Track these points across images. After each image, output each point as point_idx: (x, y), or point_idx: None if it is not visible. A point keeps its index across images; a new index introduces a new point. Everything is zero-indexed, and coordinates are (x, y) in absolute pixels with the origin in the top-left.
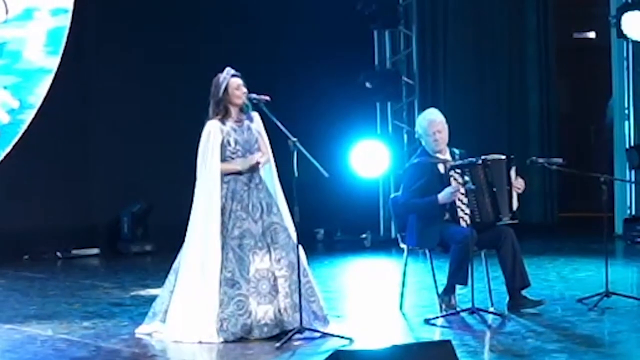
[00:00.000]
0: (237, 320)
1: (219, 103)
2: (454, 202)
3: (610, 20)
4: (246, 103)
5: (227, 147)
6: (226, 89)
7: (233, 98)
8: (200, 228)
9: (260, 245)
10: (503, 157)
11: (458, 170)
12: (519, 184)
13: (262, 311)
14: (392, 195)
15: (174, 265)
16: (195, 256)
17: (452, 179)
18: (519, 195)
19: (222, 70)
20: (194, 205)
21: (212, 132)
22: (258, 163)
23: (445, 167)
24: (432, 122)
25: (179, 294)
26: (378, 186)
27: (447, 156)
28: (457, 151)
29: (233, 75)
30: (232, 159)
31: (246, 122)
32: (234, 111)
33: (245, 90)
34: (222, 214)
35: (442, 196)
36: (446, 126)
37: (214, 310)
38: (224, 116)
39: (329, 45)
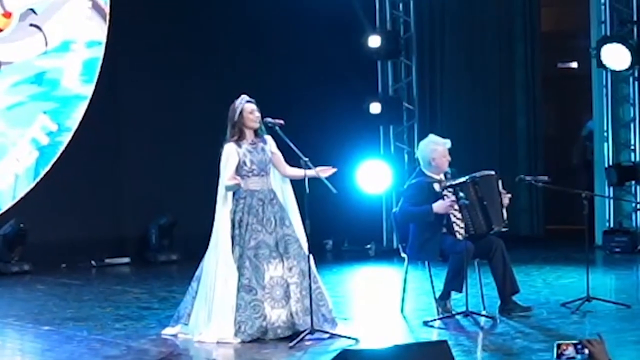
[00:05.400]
0: (254, 322)
1: (235, 126)
2: (449, 217)
3: (590, 51)
4: (260, 127)
5: (244, 166)
6: (241, 113)
7: (247, 121)
8: (216, 239)
9: (274, 255)
10: (491, 172)
11: (450, 189)
12: (505, 198)
13: (276, 314)
14: (394, 210)
15: (196, 273)
16: (214, 265)
17: (445, 197)
18: (506, 208)
19: (238, 97)
20: (215, 219)
21: (230, 155)
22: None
23: (441, 186)
24: (447, 143)
25: (201, 299)
26: (381, 201)
27: (441, 175)
28: (449, 170)
29: (247, 101)
30: (249, 177)
31: (260, 144)
32: (248, 134)
33: (258, 114)
34: (240, 226)
35: (437, 206)
36: None
37: (232, 313)
38: (239, 138)
39: (337, 74)
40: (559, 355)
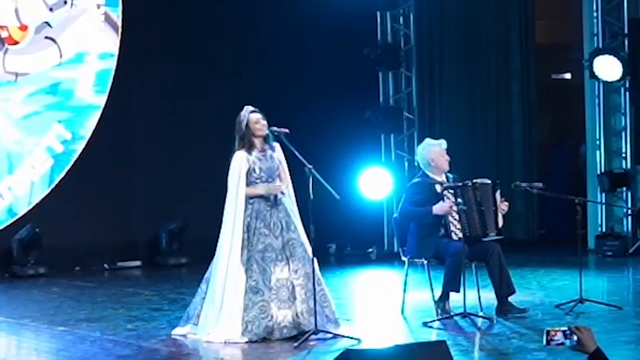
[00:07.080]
0: (260, 322)
1: (243, 137)
2: (447, 219)
3: (583, 63)
4: (268, 134)
5: (253, 173)
6: (247, 124)
7: (255, 131)
8: (227, 243)
9: (281, 257)
10: (489, 181)
11: (451, 191)
12: (504, 205)
13: (282, 315)
14: (394, 215)
15: (206, 275)
16: (223, 267)
17: (445, 198)
18: (503, 215)
19: (242, 108)
20: (223, 223)
21: (240, 162)
22: (279, 190)
23: (442, 187)
24: (443, 144)
25: (210, 300)
26: (382, 207)
27: (443, 178)
28: (451, 176)
29: (252, 112)
30: (256, 183)
31: (269, 152)
32: (257, 142)
33: (264, 122)
34: (248, 230)
35: (437, 208)
36: None
37: (239, 314)
38: (249, 148)
39: (340, 84)
40: (548, 341)
